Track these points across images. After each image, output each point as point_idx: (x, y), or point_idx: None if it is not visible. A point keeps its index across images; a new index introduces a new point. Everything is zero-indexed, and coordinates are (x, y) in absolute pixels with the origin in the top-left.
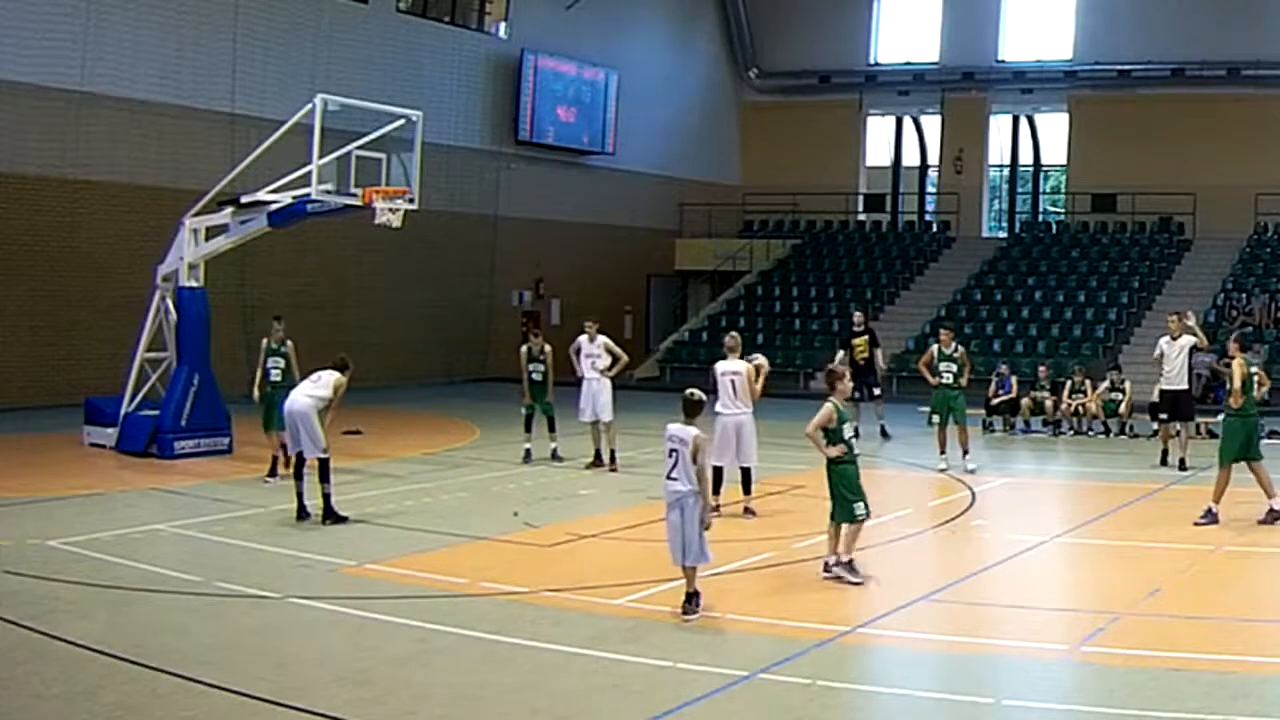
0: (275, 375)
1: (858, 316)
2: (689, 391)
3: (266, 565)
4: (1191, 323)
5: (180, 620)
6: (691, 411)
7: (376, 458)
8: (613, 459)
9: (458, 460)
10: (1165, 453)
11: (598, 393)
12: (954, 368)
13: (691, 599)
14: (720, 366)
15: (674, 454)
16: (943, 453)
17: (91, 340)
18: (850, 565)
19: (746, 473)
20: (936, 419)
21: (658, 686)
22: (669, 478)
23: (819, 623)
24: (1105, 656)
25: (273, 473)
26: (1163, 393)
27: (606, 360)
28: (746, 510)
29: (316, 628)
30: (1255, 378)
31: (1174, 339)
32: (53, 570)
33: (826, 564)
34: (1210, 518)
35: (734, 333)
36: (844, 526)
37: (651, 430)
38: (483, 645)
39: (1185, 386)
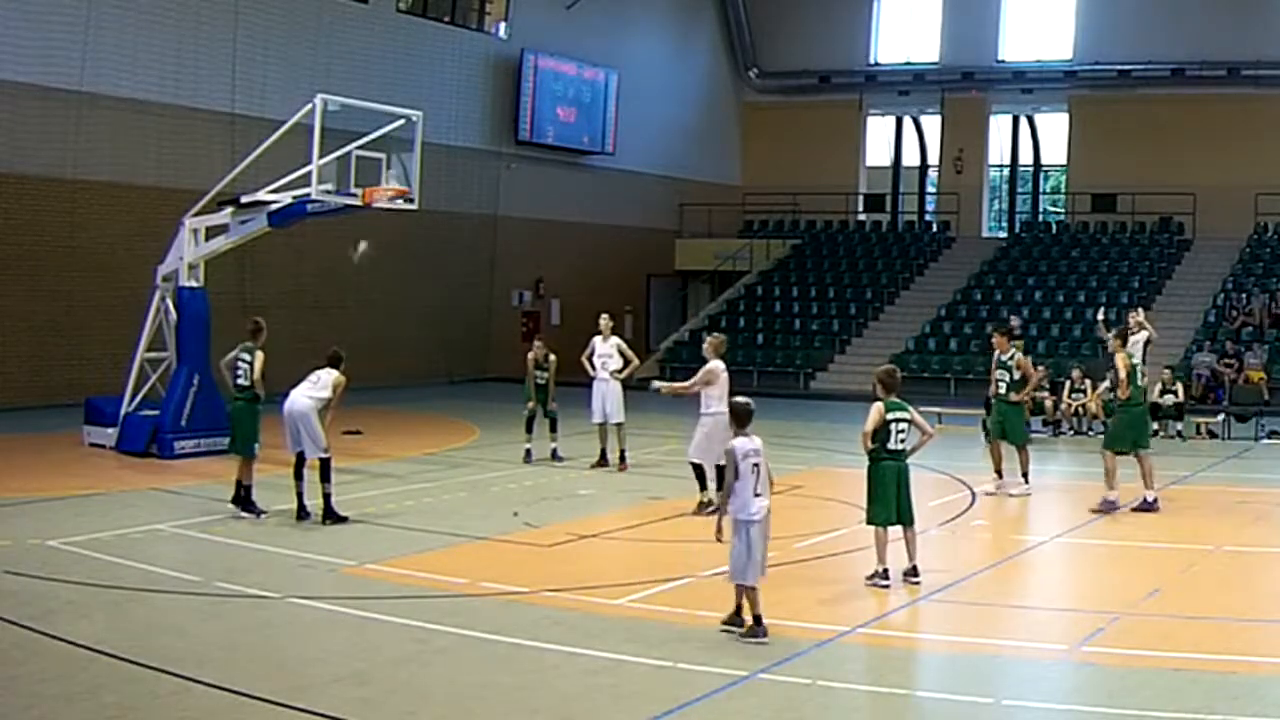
0: (243, 379)
1: (1015, 321)
2: (743, 401)
3: (266, 565)
4: (1141, 317)
5: (180, 620)
6: (746, 421)
7: (376, 458)
8: (622, 459)
9: (458, 460)
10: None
11: (608, 394)
12: (1008, 377)
13: (759, 620)
14: (719, 364)
15: (756, 469)
16: (997, 472)
17: (91, 340)
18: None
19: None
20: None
21: (658, 686)
22: (756, 494)
23: (819, 623)
24: (1105, 656)
25: (250, 506)
26: None
27: (618, 362)
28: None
29: (316, 628)
30: (1139, 369)
31: (1132, 334)
32: (53, 570)
33: (903, 573)
34: (1109, 506)
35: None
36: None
37: (653, 430)
38: (483, 645)
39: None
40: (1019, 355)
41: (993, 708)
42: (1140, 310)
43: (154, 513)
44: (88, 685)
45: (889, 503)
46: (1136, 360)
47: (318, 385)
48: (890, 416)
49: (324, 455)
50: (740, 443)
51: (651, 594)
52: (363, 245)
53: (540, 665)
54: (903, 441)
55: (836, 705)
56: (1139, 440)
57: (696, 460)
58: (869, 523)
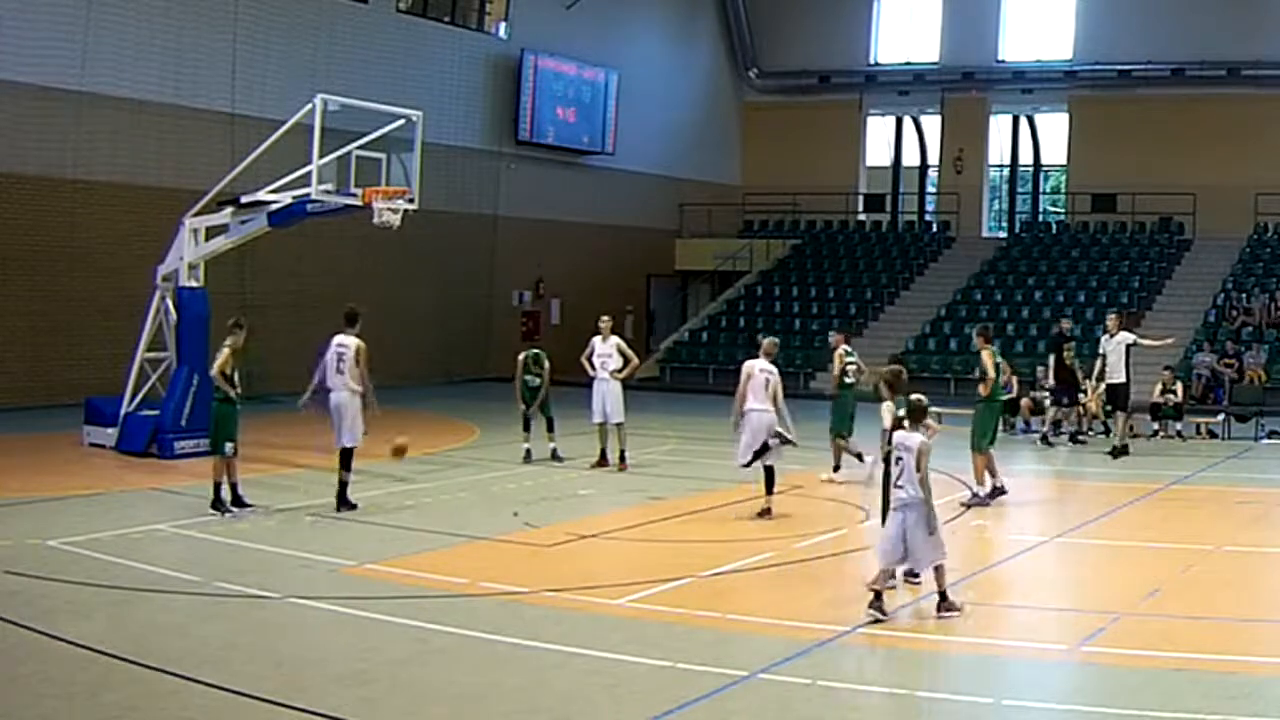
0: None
1: (1066, 324)
2: (917, 398)
3: (266, 565)
4: (1114, 321)
5: (180, 620)
6: (917, 418)
7: (377, 458)
8: (622, 459)
9: (458, 460)
10: (1125, 445)
11: (607, 394)
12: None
13: (944, 597)
14: (757, 364)
15: (900, 461)
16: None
17: (91, 340)
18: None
19: (770, 471)
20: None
21: (658, 686)
22: (896, 485)
23: (819, 623)
24: (1105, 656)
25: (237, 502)
26: (1107, 385)
27: (618, 361)
28: (765, 512)
29: (316, 628)
30: (1000, 366)
31: (1111, 336)
32: (53, 570)
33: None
34: (979, 500)
35: (774, 338)
36: None
37: (653, 430)
38: (483, 645)
39: (1123, 380)
40: (840, 351)
41: (993, 708)
42: (1113, 316)
43: (154, 513)
44: (88, 685)
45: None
46: (1000, 360)
47: (345, 367)
48: (901, 414)
49: (350, 445)
50: (899, 435)
51: (651, 594)
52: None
53: (540, 665)
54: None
55: (836, 705)
56: (992, 438)
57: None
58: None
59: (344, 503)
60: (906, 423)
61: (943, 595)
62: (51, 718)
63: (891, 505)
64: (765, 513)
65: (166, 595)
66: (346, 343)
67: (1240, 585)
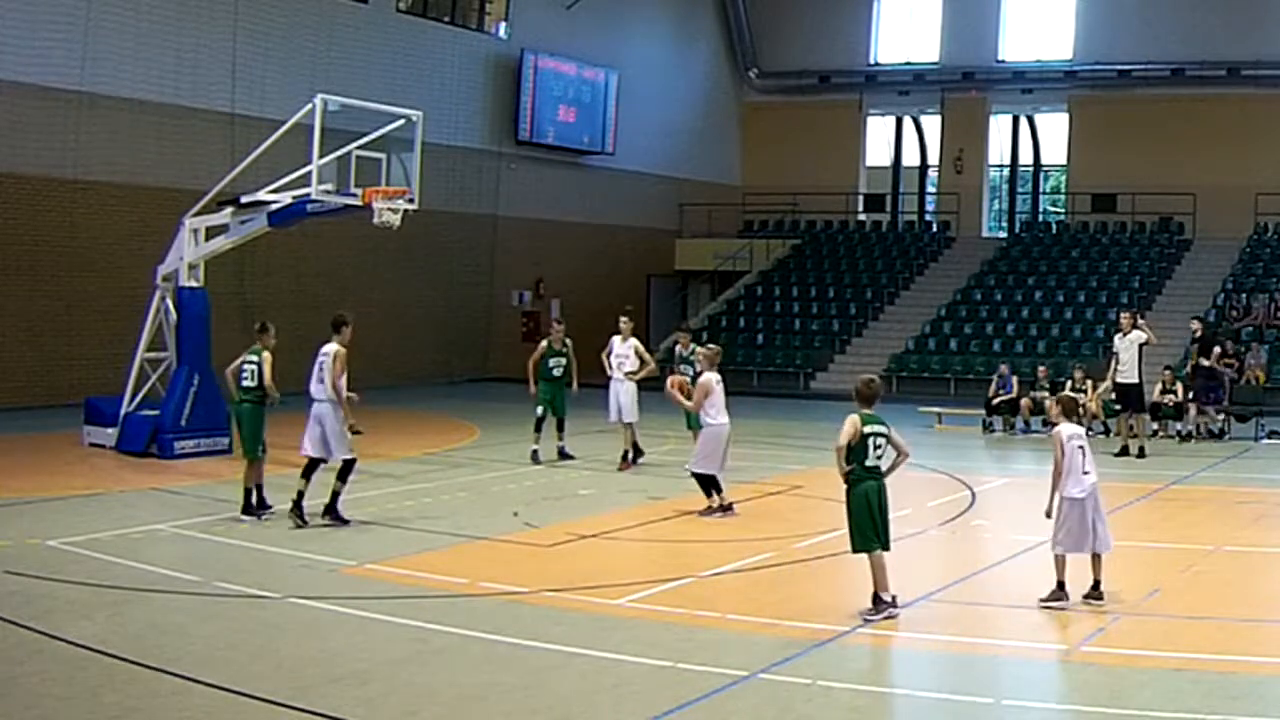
0: (249, 381)
1: (1195, 326)
2: (1071, 396)
3: (266, 565)
4: (1140, 321)
5: (180, 620)
6: (1073, 410)
7: (376, 458)
8: (624, 458)
9: (458, 460)
10: (1125, 446)
11: (621, 393)
12: (690, 371)
13: (1096, 586)
14: (713, 377)
15: (1081, 449)
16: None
17: (91, 340)
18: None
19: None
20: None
21: (658, 686)
22: (1084, 472)
23: (819, 623)
24: (1105, 656)
25: (262, 504)
26: (1116, 385)
27: (634, 363)
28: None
29: (316, 628)
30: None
31: (1124, 335)
32: (53, 570)
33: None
34: None
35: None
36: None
37: (653, 430)
38: (483, 645)
39: (1135, 380)
40: (699, 349)
41: (993, 708)
42: (1126, 313)
43: (154, 513)
44: (88, 685)
45: (877, 523)
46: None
47: (326, 378)
48: (867, 430)
49: (348, 457)
50: (1066, 428)
51: (651, 594)
52: None
53: (540, 665)
54: (879, 458)
55: (836, 705)
56: None
57: (699, 471)
58: (856, 550)
59: (333, 513)
60: (1061, 416)
61: (1095, 582)
62: (51, 718)
63: (1077, 495)
64: (724, 509)
65: (166, 595)
66: (326, 350)
67: (1240, 585)
